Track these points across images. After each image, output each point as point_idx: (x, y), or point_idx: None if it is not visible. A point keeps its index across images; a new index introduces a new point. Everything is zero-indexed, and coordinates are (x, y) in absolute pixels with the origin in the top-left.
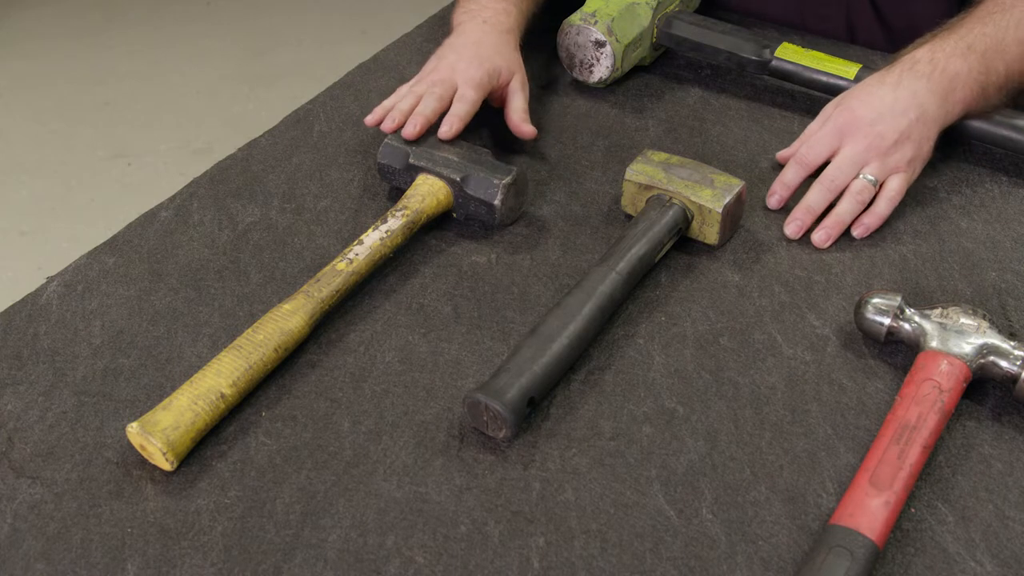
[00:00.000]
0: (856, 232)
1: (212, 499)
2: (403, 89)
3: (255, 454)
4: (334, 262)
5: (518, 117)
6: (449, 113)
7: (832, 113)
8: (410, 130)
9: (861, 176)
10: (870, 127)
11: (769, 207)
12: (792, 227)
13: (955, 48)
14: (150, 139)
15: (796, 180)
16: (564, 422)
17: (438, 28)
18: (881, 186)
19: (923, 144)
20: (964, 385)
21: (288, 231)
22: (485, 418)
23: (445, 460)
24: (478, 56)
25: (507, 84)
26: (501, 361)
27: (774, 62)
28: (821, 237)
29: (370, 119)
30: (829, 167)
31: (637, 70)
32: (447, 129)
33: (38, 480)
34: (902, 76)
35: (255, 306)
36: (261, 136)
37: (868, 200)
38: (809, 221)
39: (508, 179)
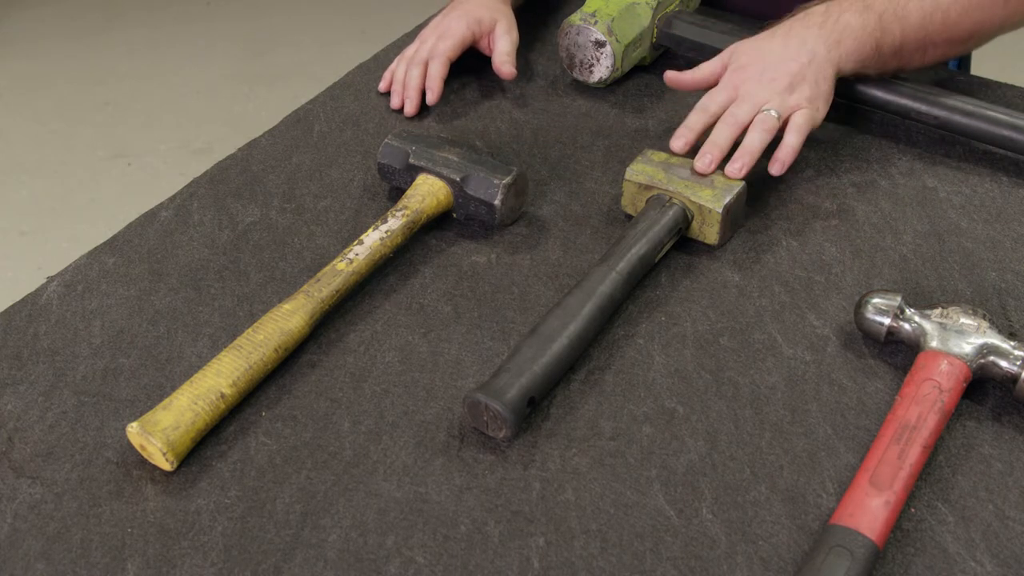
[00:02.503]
0: (773, 170)
1: (212, 499)
2: (408, 51)
3: (255, 454)
4: (334, 262)
5: (499, 59)
6: (427, 78)
7: (724, 74)
8: (409, 108)
9: (763, 111)
10: (761, 75)
11: (674, 150)
12: (702, 161)
13: (852, 4)
14: (150, 139)
15: (699, 124)
16: (564, 422)
17: None
18: (786, 122)
19: (820, 83)
20: (964, 385)
21: (288, 231)
22: (485, 418)
23: (445, 460)
24: (463, 11)
25: (491, 31)
26: (501, 361)
27: None
28: (736, 168)
29: (382, 85)
30: (730, 107)
31: (637, 70)
32: (431, 96)
33: (38, 480)
34: (792, 27)
35: (255, 306)
36: (261, 136)
37: (774, 131)
38: (718, 155)
39: (508, 179)
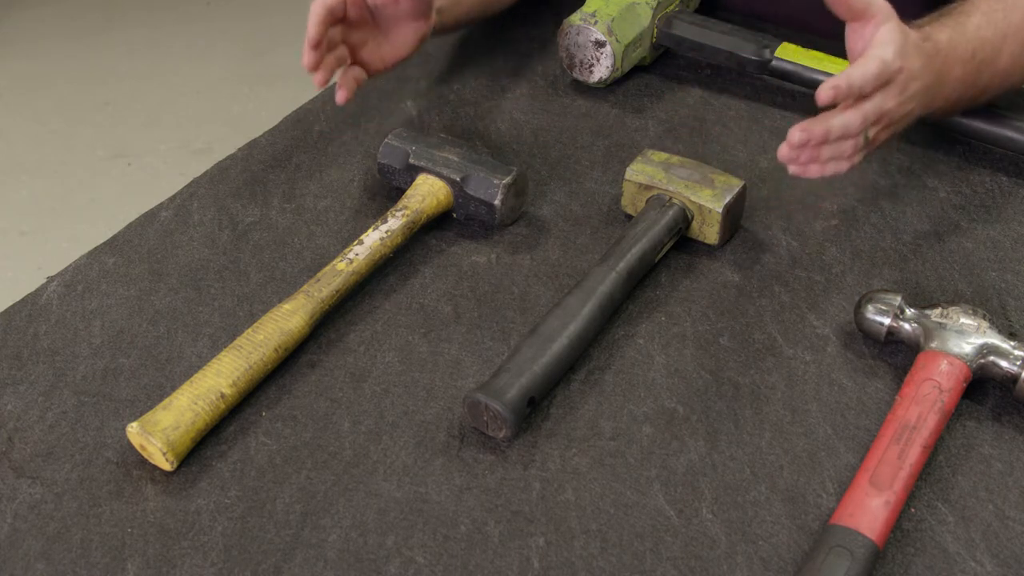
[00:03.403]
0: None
1: (212, 499)
2: None
3: (255, 454)
4: (334, 262)
5: None
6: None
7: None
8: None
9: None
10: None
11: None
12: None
13: (961, 51)
14: (150, 139)
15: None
16: (564, 422)
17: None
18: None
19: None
20: (964, 385)
21: (288, 231)
22: (485, 418)
23: (445, 460)
24: None
25: None
26: (501, 361)
27: (774, 62)
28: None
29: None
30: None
31: (637, 70)
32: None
33: (38, 480)
34: (940, 65)
35: (255, 306)
36: (261, 136)
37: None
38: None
39: (508, 179)
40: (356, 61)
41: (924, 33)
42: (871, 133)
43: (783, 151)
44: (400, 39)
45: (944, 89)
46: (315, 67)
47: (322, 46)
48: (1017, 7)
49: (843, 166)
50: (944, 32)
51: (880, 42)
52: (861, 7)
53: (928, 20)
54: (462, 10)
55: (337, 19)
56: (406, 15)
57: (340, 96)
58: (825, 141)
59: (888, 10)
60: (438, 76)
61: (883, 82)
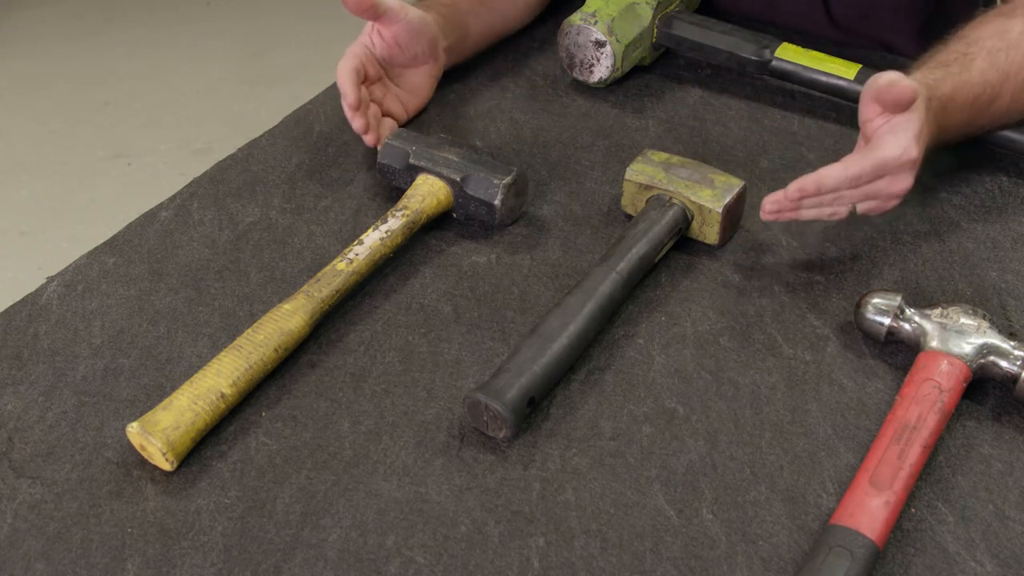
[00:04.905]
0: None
1: (212, 499)
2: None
3: (255, 454)
4: (334, 262)
5: None
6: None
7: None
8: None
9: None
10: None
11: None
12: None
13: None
14: (150, 139)
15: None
16: (564, 422)
17: None
18: None
19: None
20: (964, 385)
21: (288, 231)
22: (485, 418)
23: (445, 460)
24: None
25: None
26: (501, 361)
27: (774, 62)
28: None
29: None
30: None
31: (637, 70)
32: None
33: (38, 480)
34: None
35: (255, 306)
36: (261, 136)
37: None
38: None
39: (508, 179)
40: (383, 115)
41: (929, 88)
42: (859, 207)
43: (763, 215)
44: (415, 85)
45: (944, 136)
46: (366, 128)
47: (363, 107)
48: (1020, 47)
49: (823, 216)
50: (948, 84)
51: (901, 128)
52: (909, 101)
53: (933, 66)
54: (470, 45)
55: (362, 79)
56: (415, 60)
57: (371, 139)
58: (806, 197)
59: (921, 93)
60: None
61: (893, 170)
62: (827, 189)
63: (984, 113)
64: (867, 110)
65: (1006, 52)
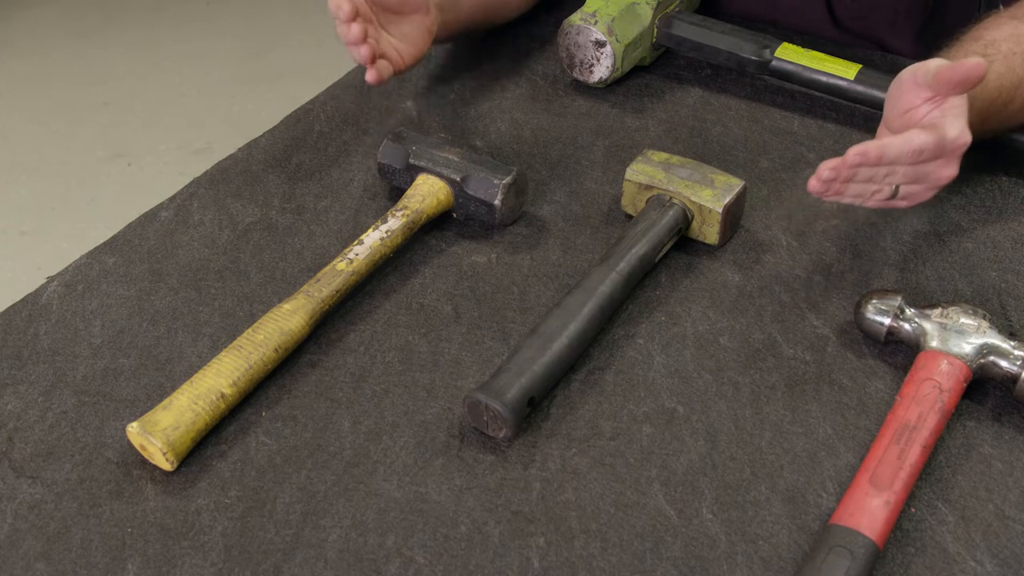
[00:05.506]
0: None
1: (212, 499)
2: None
3: (255, 454)
4: (334, 262)
5: None
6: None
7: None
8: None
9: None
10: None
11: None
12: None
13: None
14: (150, 139)
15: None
16: (564, 422)
17: None
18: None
19: None
20: (964, 385)
21: (288, 231)
22: (485, 418)
23: (445, 460)
24: None
25: None
26: (501, 361)
27: (774, 62)
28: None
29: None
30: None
31: (637, 70)
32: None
33: (38, 480)
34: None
35: (255, 306)
36: (261, 136)
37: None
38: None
39: (508, 179)
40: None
41: None
42: (901, 190)
43: (813, 184)
44: (407, 33)
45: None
46: (361, 38)
47: (359, 18)
48: None
49: (860, 201)
50: None
51: (953, 114)
52: (979, 77)
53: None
54: (462, 13)
55: (356, 14)
56: (404, 5)
57: (371, 75)
58: (865, 165)
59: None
60: (438, 76)
61: (949, 152)
62: (888, 159)
63: (995, 117)
64: (911, 97)
65: (1022, 56)
